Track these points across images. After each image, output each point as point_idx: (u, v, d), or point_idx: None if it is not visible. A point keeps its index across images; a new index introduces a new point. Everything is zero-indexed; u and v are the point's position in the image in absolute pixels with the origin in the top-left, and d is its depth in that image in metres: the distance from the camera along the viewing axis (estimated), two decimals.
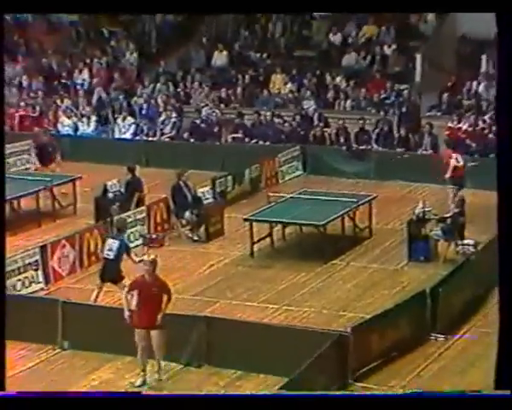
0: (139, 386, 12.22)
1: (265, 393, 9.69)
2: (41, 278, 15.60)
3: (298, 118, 24.31)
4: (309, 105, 24.87)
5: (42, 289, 15.49)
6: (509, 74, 7.51)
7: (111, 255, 14.19)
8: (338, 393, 10.74)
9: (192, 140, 24.54)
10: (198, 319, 13.07)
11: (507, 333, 7.98)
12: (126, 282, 14.00)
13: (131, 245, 17.53)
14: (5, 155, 7.84)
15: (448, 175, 19.01)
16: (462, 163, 19.23)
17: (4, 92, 7.94)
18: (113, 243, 14.24)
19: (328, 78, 25.79)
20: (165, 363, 12.84)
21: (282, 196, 18.67)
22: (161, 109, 25.57)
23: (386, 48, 26.06)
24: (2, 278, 8.32)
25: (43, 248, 15.87)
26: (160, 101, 25.86)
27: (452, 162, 19.07)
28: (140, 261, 14.02)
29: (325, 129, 23.97)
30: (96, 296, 14.37)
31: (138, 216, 18.10)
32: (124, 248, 14.27)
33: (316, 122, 24.21)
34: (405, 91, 24.58)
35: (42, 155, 22.13)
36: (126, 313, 12.32)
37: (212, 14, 26.39)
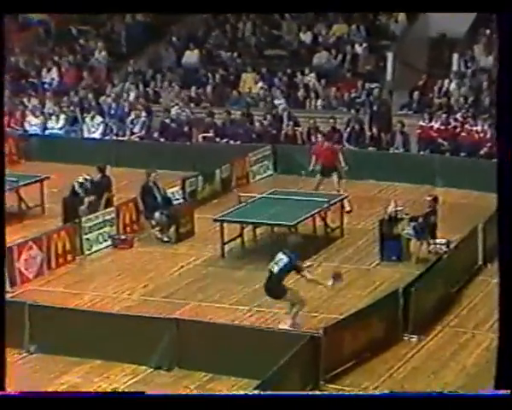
0: None
1: (265, 393, 9.73)
2: (7, 281, 15.33)
3: (269, 117, 24.20)
4: (279, 103, 24.78)
5: (7, 291, 15.22)
6: (510, 75, 7.50)
7: (275, 269, 13.49)
8: (334, 393, 10.74)
9: (162, 140, 24.36)
10: (168, 322, 12.93)
11: (507, 333, 7.89)
12: (291, 293, 13.54)
13: (100, 246, 17.48)
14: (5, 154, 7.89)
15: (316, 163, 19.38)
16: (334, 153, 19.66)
17: (4, 92, 7.90)
18: (282, 257, 13.50)
19: (299, 77, 25.71)
20: (135, 366, 12.68)
21: (253, 196, 18.56)
22: (130, 109, 25.37)
23: (356, 47, 26.03)
24: (2, 277, 8.35)
25: (9, 249, 15.58)
26: (129, 100, 25.66)
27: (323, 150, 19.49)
28: (311, 280, 13.70)
29: (296, 128, 23.87)
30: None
31: (107, 217, 17.89)
32: (290, 267, 13.46)
33: (285, 121, 24.08)
34: (376, 90, 24.54)
35: None
36: None
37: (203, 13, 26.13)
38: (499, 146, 7.86)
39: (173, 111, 24.87)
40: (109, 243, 17.70)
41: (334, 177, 19.39)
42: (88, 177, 18.79)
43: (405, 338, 13.41)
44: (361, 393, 11.16)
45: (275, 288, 13.61)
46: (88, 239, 17.30)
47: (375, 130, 23.31)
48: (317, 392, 11.39)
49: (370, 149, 23.06)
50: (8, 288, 15.27)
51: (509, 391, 7.41)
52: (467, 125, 22.42)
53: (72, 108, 25.84)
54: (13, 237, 17.59)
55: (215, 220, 17.30)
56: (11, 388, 11.98)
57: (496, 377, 7.91)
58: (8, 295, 14.92)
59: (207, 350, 12.55)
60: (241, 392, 11.25)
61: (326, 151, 19.74)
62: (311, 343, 11.98)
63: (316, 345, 12.00)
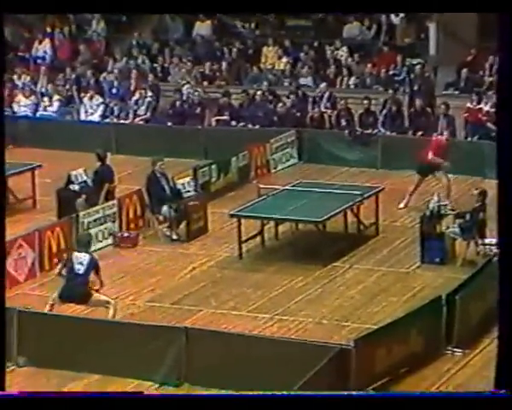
0: None
1: (268, 393, 9.98)
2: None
3: (293, 97, 24.31)
4: (306, 82, 24.89)
5: None
6: (510, 74, 8.01)
7: (81, 270, 13.90)
8: (337, 393, 11.02)
9: (170, 123, 24.53)
10: (177, 331, 13.05)
11: (507, 333, 8.52)
12: (97, 295, 13.94)
13: (100, 245, 17.67)
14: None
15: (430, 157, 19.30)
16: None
17: (4, 92, 8.50)
18: (83, 257, 13.98)
19: (328, 51, 25.80)
20: (139, 382, 12.85)
21: (275, 189, 18.68)
22: (134, 87, 25.55)
23: (393, 16, 26.13)
24: (2, 276, 8.86)
25: None
26: (132, 78, 25.84)
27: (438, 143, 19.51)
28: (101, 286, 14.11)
29: (325, 110, 23.91)
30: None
31: (108, 211, 18.08)
32: (94, 265, 14.08)
33: (324, 102, 23.97)
34: (418, 67, 24.59)
35: None
36: None
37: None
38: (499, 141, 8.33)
39: (183, 90, 25.03)
40: (110, 241, 17.89)
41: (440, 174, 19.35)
42: (83, 173, 18.98)
43: (448, 352, 13.49)
44: (360, 393, 11.37)
45: (82, 290, 13.88)
46: None
47: (415, 112, 23.36)
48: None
49: (409, 134, 23.15)
50: None
51: (509, 391, 7.88)
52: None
53: (67, 86, 26.08)
54: None
55: (231, 216, 17.43)
56: None
57: (496, 377, 8.47)
58: None
59: (221, 364, 12.65)
60: None
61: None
62: (341, 357, 12.07)
63: (345, 359, 12.09)
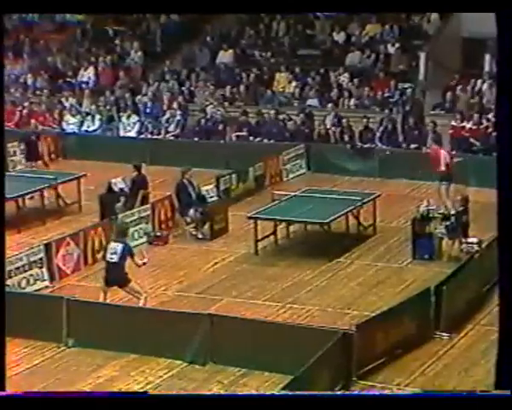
0: None
1: (269, 393, 9.72)
2: (46, 276, 15.55)
3: (302, 116, 24.21)
4: (312, 103, 24.78)
5: (47, 286, 15.45)
6: (510, 74, 7.69)
7: (115, 258, 13.77)
8: (338, 393, 10.74)
9: (196, 138, 24.46)
10: (202, 317, 13.01)
11: (507, 333, 8.10)
12: (133, 285, 13.91)
13: (136, 243, 17.62)
14: (5, 154, 7.84)
15: (442, 169, 18.88)
16: (449, 159, 19.24)
17: (4, 91, 7.92)
18: (116, 247, 13.83)
19: (332, 76, 25.72)
20: (170, 361, 12.79)
21: (287, 194, 18.61)
22: (166, 108, 25.52)
23: (389, 46, 26.00)
24: (2, 278, 8.36)
25: (47, 245, 15.82)
26: (164, 99, 25.81)
27: (444, 158, 19.01)
28: (143, 264, 14.02)
29: (330, 127, 23.78)
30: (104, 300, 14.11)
31: (143, 214, 18.04)
32: (127, 251, 13.86)
33: (331, 120, 23.80)
34: (409, 90, 24.50)
35: (29, 152, 22.16)
36: None
37: (216, 14, 26.35)
38: (498, 143, 8.05)
39: (208, 110, 24.97)
40: (145, 239, 17.84)
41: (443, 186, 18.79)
42: (122, 181, 18.98)
43: (437, 336, 13.41)
44: (363, 393, 11.19)
45: (119, 276, 13.75)
46: None
47: (406, 129, 23.26)
48: (344, 390, 11.43)
49: (403, 147, 23.02)
50: (47, 283, 15.52)
51: (508, 391, 7.42)
52: (495, 127, 22.26)
53: (108, 107, 26.05)
54: (51, 233, 17.94)
55: (249, 218, 17.35)
56: (49, 380, 12.20)
57: (496, 377, 8.04)
58: (47, 290, 15.25)
59: (241, 346, 12.61)
60: (274, 388, 11.35)
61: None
62: (344, 340, 12.01)
63: (348, 342, 12.03)
